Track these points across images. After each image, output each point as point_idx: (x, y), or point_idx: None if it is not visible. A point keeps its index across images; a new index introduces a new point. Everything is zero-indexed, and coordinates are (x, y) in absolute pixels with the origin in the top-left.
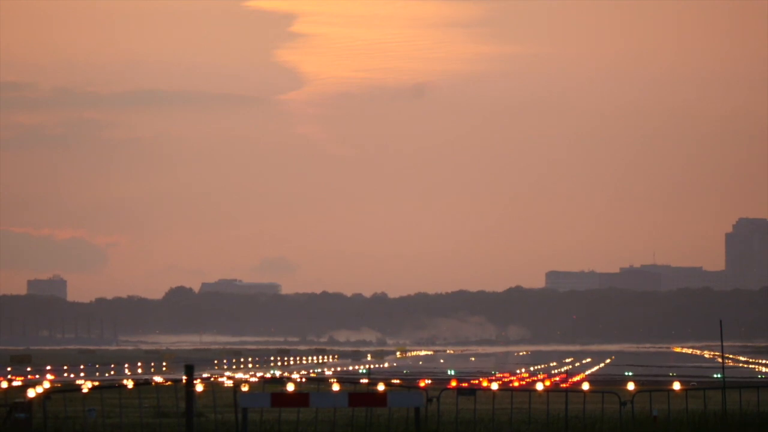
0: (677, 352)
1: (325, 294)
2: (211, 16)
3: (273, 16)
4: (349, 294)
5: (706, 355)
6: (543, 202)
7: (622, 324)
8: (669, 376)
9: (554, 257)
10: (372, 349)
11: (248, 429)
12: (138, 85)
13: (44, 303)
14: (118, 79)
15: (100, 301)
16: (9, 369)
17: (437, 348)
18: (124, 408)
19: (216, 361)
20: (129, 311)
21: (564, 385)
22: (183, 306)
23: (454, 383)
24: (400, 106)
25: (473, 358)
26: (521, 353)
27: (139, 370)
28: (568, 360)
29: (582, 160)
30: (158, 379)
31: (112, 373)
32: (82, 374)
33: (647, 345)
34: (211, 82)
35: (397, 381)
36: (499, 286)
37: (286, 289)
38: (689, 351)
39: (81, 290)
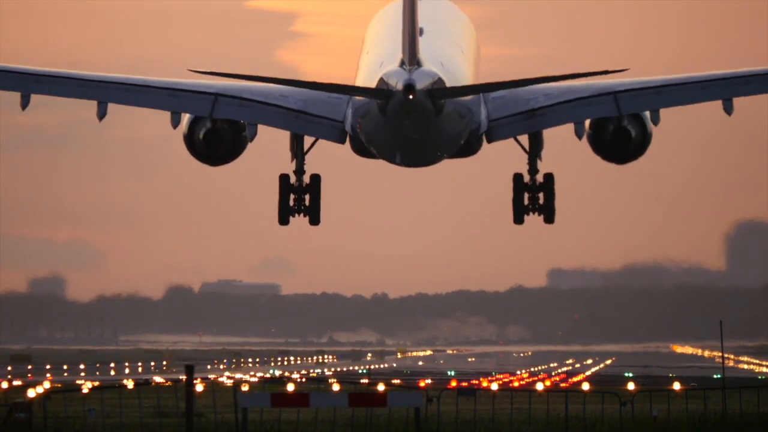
0: (678, 353)
1: (324, 294)
2: (211, 16)
3: (273, 16)
4: (349, 295)
5: (706, 355)
6: None
7: (623, 323)
8: (669, 376)
9: (556, 255)
10: (372, 348)
11: (248, 429)
12: None
13: (44, 302)
14: None
15: (100, 301)
16: (9, 368)
17: (437, 348)
18: (124, 408)
19: (216, 361)
20: (129, 311)
21: (564, 386)
22: (183, 306)
23: (454, 383)
24: None
25: (473, 359)
26: (522, 354)
27: (140, 370)
28: (569, 361)
29: (582, 158)
30: (158, 379)
31: (112, 373)
32: (82, 373)
33: (648, 344)
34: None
35: (398, 381)
36: (500, 285)
37: (286, 289)
38: (690, 351)
39: (81, 290)
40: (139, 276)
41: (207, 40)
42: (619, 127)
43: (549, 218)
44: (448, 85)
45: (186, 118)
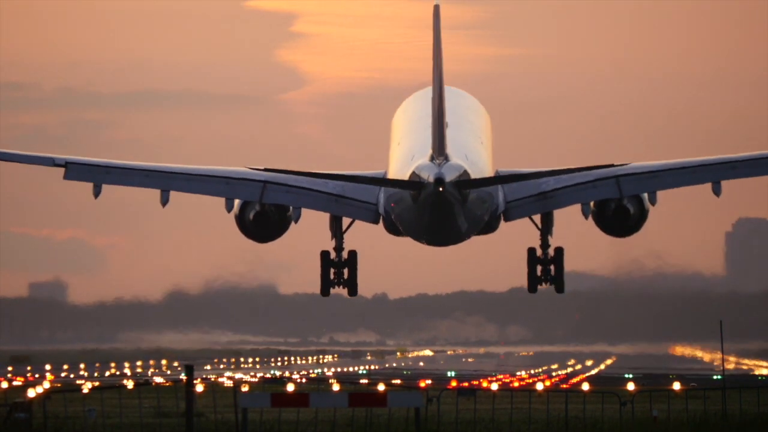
0: (677, 355)
1: None
2: (211, 16)
3: (273, 16)
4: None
5: (706, 359)
6: None
7: (622, 325)
8: (669, 377)
9: None
10: (372, 349)
11: (248, 429)
12: (139, 86)
13: (45, 304)
14: (119, 79)
15: (101, 302)
16: (9, 369)
17: (437, 349)
18: (124, 408)
19: (216, 361)
20: (129, 311)
21: (564, 386)
22: (183, 306)
23: (454, 383)
24: None
25: (473, 359)
26: (522, 354)
27: (139, 370)
28: (570, 362)
29: (583, 160)
30: (158, 379)
31: (113, 371)
32: (81, 372)
33: (647, 346)
34: (211, 82)
35: (398, 381)
36: (501, 285)
37: (286, 289)
38: (689, 354)
39: (81, 292)
40: (138, 276)
41: (207, 40)
42: (619, 205)
43: (559, 288)
44: (472, 176)
45: (237, 201)
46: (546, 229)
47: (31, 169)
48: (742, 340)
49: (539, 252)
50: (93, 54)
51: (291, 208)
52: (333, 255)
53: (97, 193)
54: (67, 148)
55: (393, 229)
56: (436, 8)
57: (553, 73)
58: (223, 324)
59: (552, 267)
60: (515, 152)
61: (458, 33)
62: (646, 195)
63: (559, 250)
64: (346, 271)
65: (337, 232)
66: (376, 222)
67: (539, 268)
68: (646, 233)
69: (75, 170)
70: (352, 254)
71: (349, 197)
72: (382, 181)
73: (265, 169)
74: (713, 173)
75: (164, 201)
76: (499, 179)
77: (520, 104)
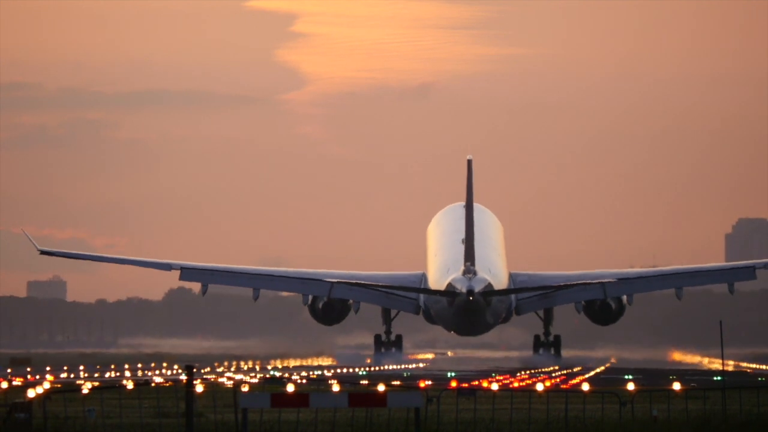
0: (678, 360)
1: None
2: (211, 16)
3: (273, 16)
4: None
5: (705, 362)
6: (543, 203)
7: (622, 327)
8: (669, 377)
9: (555, 259)
10: (371, 351)
11: (248, 429)
12: (140, 86)
13: (44, 304)
14: (120, 79)
15: (101, 302)
16: (9, 371)
17: (437, 351)
18: (124, 408)
19: (217, 363)
20: (129, 312)
21: (564, 386)
22: (183, 307)
23: (454, 384)
24: (403, 107)
25: (474, 361)
26: (521, 356)
27: (139, 373)
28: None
29: (582, 162)
30: (158, 379)
31: (115, 372)
32: (82, 373)
33: (646, 349)
34: (211, 82)
35: (397, 382)
36: None
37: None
38: (689, 359)
39: (81, 291)
40: (138, 277)
41: (207, 40)
42: (604, 303)
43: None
44: (494, 286)
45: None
46: (548, 320)
47: (31, 168)
48: (742, 341)
49: (542, 338)
50: (94, 54)
51: (351, 300)
52: (384, 337)
53: (204, 291)
54: (67, 148)
55: (430, 319)
56: (470, 162)
57: (557, 72)
58: (222, 326)
59: (552, 350)
60: (519, 152)
61: (461, 32)
62: (624, 296)
63: (557, 337)
64: (393, 350)
65: (387, 320)
66: (417, 313)
67: (541, 351)
68: (646, 233)
69: (188, 274)
70: (398, 337)
71: (397, 294)
72: (425, 291)
73: (341, 281)
74: (676, 281)
75: (255, 297)
76: (514, 290)
77: (525, 104)
